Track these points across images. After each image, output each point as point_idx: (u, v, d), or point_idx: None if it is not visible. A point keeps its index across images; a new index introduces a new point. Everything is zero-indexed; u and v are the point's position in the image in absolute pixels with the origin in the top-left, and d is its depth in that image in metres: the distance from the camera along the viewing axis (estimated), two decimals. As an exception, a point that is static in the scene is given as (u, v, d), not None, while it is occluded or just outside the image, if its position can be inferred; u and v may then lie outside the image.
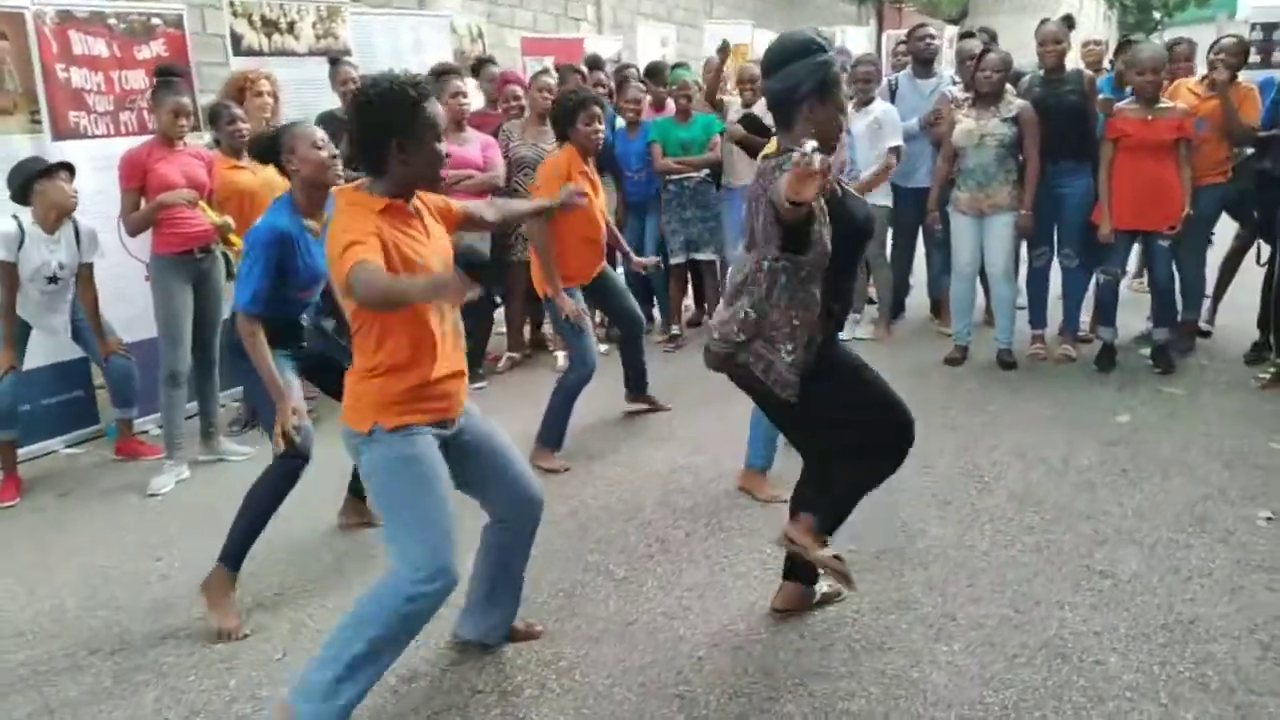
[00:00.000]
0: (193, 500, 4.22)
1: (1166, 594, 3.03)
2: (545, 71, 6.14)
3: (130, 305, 4.88)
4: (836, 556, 2.76)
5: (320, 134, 3.21)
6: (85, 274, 4.44)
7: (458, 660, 2.83)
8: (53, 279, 4.32)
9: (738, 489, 3.95)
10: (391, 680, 2.75)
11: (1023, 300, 5.69)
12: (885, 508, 3.70)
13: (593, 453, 4.47)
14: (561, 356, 5.85)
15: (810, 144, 2.09)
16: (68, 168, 4.34)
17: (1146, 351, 5.42)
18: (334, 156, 3.19)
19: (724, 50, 6.29)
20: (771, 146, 2.68)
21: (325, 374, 3.39)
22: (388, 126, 2.37)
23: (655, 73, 6.77)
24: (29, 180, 4.22)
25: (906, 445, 2.78)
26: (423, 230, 2.50)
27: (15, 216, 4.22)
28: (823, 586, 3.07)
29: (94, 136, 5.01)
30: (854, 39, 11.77)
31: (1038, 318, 5.64)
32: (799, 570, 3.01)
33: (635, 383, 4.96)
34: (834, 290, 2.61)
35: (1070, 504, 3.69)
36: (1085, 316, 5.73)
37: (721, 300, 2.85)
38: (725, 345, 2.67)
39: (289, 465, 3.16)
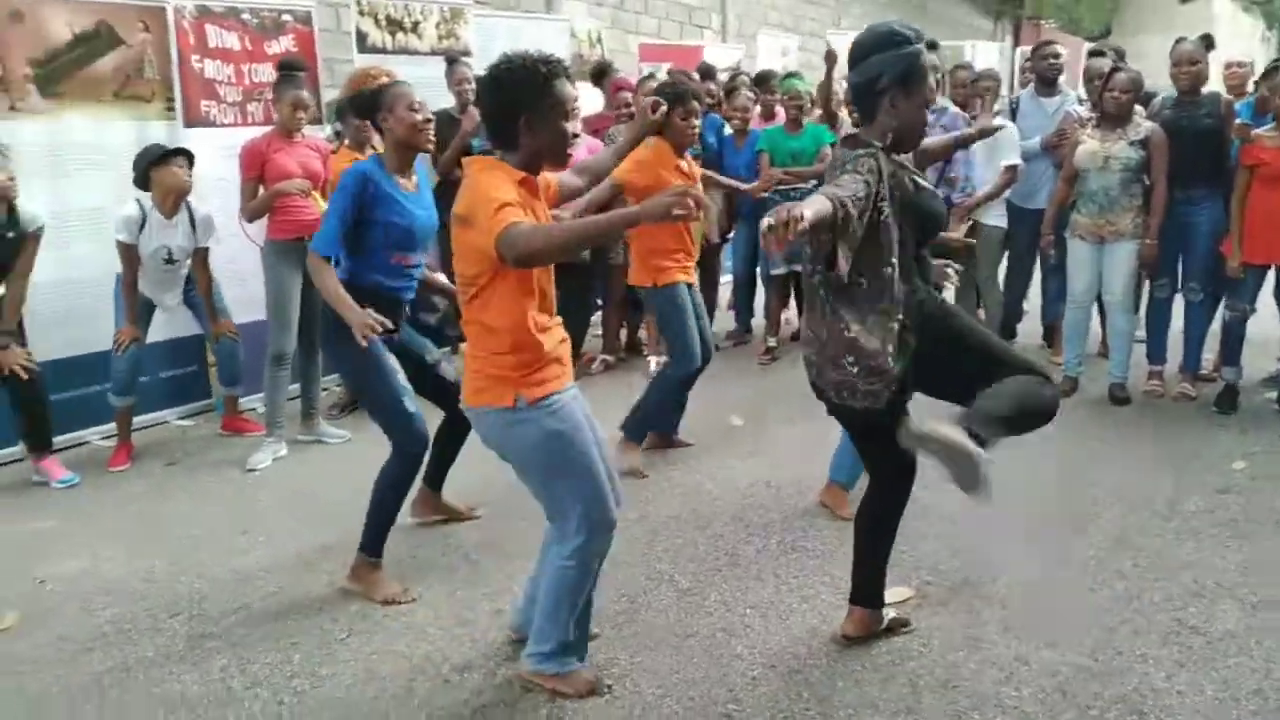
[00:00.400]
0: (287, 478, 4.37)
1: (1264, 658, 2.81)
2: (652, 77, 6.15)
3: (243, 287, 5.09)
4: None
5: (418, 98, 3.28)
6: (200, 258, 4.65)
7: (512, 656, 2.83)
8: (170, 260, 4.55)
9: (818, 503, 3.87)
10: (445, 669, 2.80)
11: (1141, 333, 5.41)
12: (968, 540, 3.57)
13: (672, 460, 4.45)
14: (654, 361, 5.85)
15: (765, 222, 2.08)
16: (185, 154, 4.54)
17: (1273, 395, 5.07)
18: (428, 120, 3.26)
19: (830, 58, 6.13)
20: None
21: (407, 365, 3.43)
22: (517, 102, 2.41)
23: (764, 81, 6.71)
24: (146, 168, 4.45)
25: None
26: (543, 212, 2.54)
27: (138, 200, 4.46)
28: (890, 612, 2.97)
29: (222, 125, 5.27)
30: (984, 53, 11.45)
31: (1157, 352, 5.34)
32: (865, 594, 2.92)
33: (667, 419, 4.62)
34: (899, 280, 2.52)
35: (1169, 552, 3.48)
36: (1210, 355, 5.41)
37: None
38: (820, 382, 2.66)
39: (408, 458, 3.26)
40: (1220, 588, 3.22)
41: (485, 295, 2.44)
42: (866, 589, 2.91)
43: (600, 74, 6.75)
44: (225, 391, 4.99)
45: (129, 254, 4.43)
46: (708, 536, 3.65)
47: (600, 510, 2.54)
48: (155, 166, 4.43)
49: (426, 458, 3.38)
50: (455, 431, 3.61)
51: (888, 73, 2.49)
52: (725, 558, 3.49)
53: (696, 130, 4.32)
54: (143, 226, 4.44)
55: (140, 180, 4.47)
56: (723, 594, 3.22)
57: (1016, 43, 19.71)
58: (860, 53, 2.55)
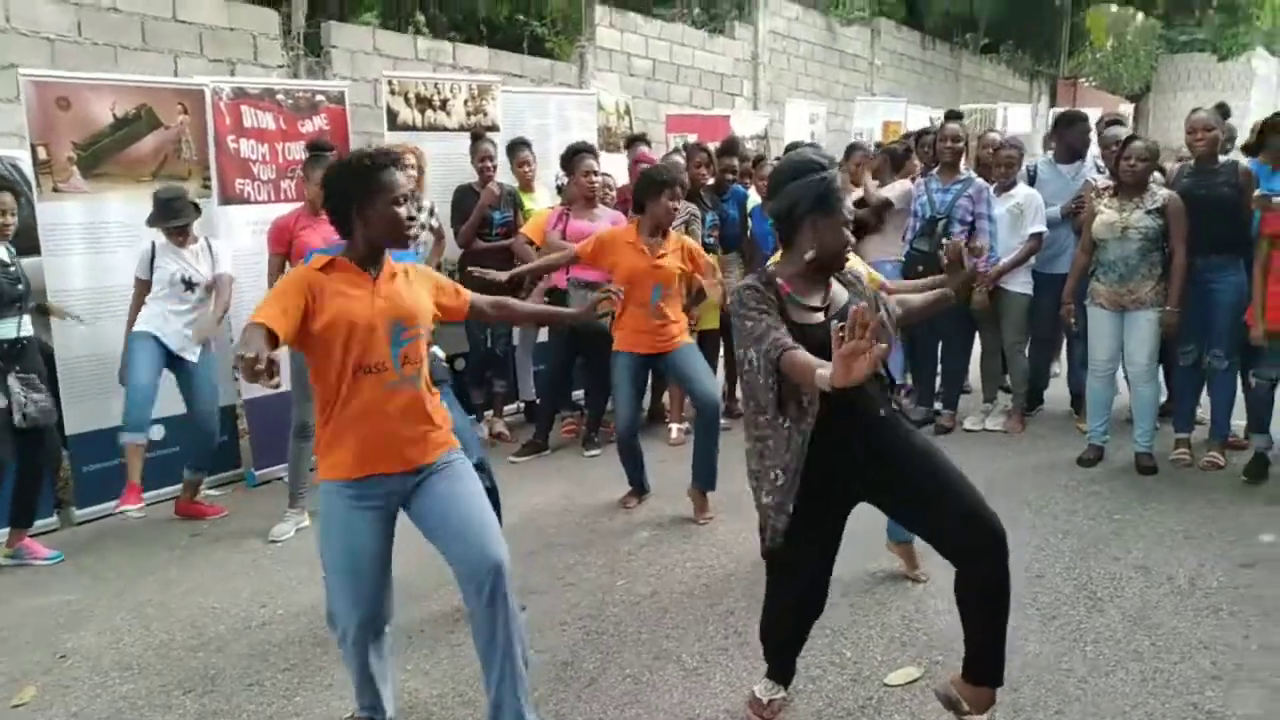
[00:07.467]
0: (309, 549, 4.41)
1: (1283, 746, 2.74)
2: (676, 151, 6.28)
3: (272, 360, 5.22)
4: None
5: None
6: (221, 282, 4.88)
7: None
8: (189, 285, 4.77)
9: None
10: (446, 751, 2.81)
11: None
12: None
13: (688, 532, 4.44)
14: (675, 429, 5.88)
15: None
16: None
17: (1308, 459, 4.97)
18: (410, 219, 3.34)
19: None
20: None
21: None
22: (347, 195, 2.61)
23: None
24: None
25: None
26: (369, 292, 2.60)
27: (153, 241, 4.76)
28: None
29: (256, 202, 5.45)
30: (1015, 117, 11.49)
31: (1183, 421, 5.27)
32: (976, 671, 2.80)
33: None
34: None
35: (1189, 631, 3.40)
36: (1240, 422, 5.32)
37: None
38: None
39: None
40: (1240, 669, 3.14)
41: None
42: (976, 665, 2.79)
43: (632, 145, 6.90)
44: (189, 476, 4.98)
45: (138, 287, 4.77)
46: (718, 613, 3.64)
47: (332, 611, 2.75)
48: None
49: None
50: None
51: (804, 199, 2.64)
52: (734, 636, 3.47)
53: (676, 212, 4.64)
54: (153, 259, 4.74)
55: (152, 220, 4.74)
56: (728, 674, 3.20)
57: (1053, 103, 19.76)
58: (777, 182, 2.73)
